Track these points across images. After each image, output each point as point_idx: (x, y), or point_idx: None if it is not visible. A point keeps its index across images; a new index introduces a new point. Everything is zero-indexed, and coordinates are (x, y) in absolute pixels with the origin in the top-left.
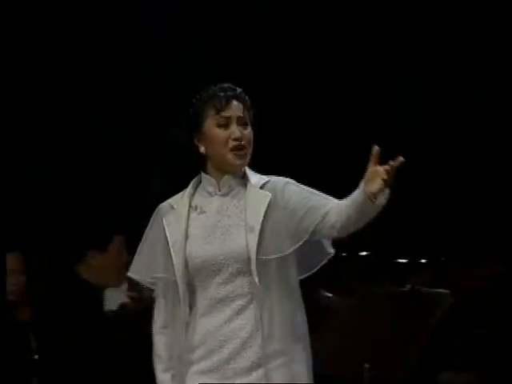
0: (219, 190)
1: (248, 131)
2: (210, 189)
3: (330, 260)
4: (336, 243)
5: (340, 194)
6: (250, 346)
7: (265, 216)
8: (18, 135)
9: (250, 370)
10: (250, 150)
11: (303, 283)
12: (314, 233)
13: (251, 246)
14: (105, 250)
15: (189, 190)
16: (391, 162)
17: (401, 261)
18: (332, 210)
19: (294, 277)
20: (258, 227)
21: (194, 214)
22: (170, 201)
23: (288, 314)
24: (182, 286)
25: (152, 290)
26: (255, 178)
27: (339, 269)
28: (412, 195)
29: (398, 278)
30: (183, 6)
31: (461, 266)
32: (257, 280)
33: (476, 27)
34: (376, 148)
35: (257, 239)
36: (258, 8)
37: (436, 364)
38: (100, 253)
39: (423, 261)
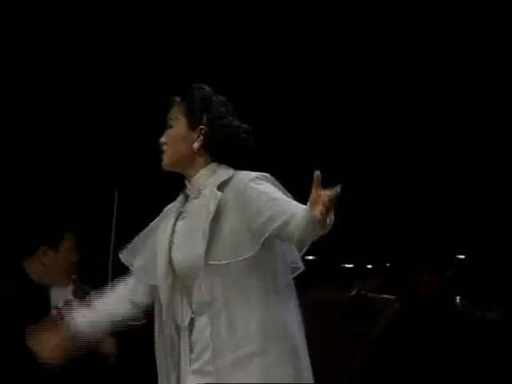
0: (192, 193)
1: (170, 131)
2: (189, 192)
3: None
4: None
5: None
6: (221, 351)
7: (214, 219)
8: (18, 135)
9: (231, 370)
10: (172, 148)
11: None
12: (275, 237)
13: (200, 252)
14: (56, 248)
15: (180, 196)
16: (332, 190)
17: (347, 265)
18: (292, 220)
19: (273, 275)
20: (206, 232)
21: (179, 220)
22: (171, 205)
23: (259, 316)
24: (163, 291)
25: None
26: (219, 176)
27: None
28: (412, 195)
29: (344, 283)
30: (183, 6)
31: (408, 272)
32: (203, 287)
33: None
34: (317, 173)
35: (205, 244)
36: (258, 8)
37: (379, 371)
38: (52, 250)
39: (369, 266)
